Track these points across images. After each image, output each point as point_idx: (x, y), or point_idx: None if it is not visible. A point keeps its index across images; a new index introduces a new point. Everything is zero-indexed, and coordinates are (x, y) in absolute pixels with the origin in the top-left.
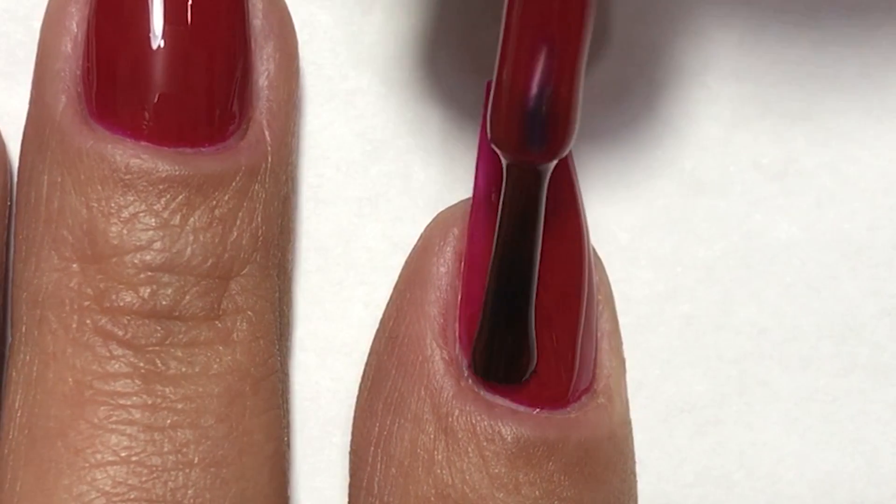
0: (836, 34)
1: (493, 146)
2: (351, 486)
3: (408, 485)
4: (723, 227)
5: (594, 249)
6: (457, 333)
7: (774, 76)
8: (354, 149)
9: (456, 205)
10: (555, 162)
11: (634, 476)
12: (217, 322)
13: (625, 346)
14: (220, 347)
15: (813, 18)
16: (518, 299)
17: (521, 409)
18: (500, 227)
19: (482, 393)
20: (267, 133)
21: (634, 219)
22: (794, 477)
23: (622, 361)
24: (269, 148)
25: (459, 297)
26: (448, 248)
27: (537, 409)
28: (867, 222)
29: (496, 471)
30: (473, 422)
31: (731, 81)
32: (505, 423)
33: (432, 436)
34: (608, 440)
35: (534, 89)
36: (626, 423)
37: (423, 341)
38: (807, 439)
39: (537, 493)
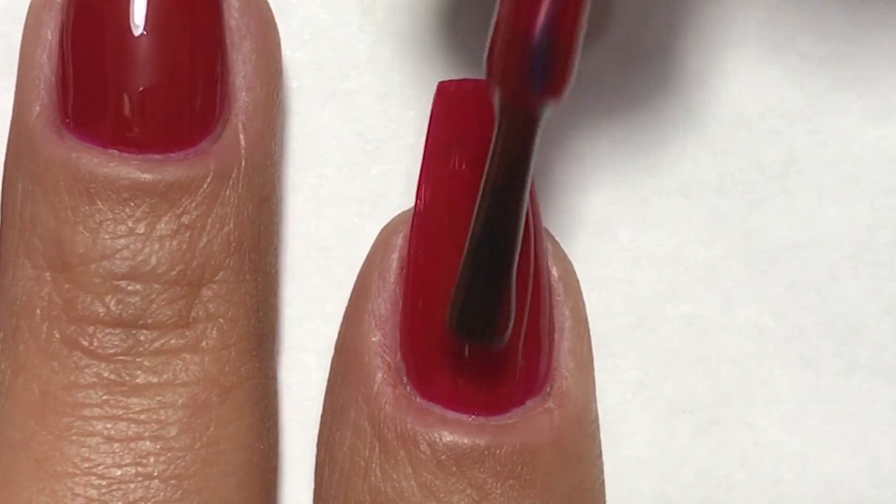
0: (836, 34)
1: (491, 85)
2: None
3: (347, 491)
4: (724, 226)
5: (554, 240)
6: (398, 342)
7: (775, 75)
8: (354, 149)
9: (402, 213)
10: (550, 110)
11: (591, 481)
12: (186, 330)
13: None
14: (188, 356)
15: (813, 18)
16: (501, 254)
17: (455, 415)
18: (487, 176)
19: (418, 400)
20: (242, 136)
21: (635, 218)
22: (795, 477)
23: (586, 361)
24: (243, 151)
25: (401, 305)
26: (391, 256)
27: (473, 416)
28: (867, 222)
29: (424, 479)
30: (404, 429)
31: (732, 81)
32: (435, 430)
33: (368, 443)
34: (552, 446)
35: (540, 22)
36: (581, 428)
37: (363, 349)
38: (808, 439)
39: (466, 501)
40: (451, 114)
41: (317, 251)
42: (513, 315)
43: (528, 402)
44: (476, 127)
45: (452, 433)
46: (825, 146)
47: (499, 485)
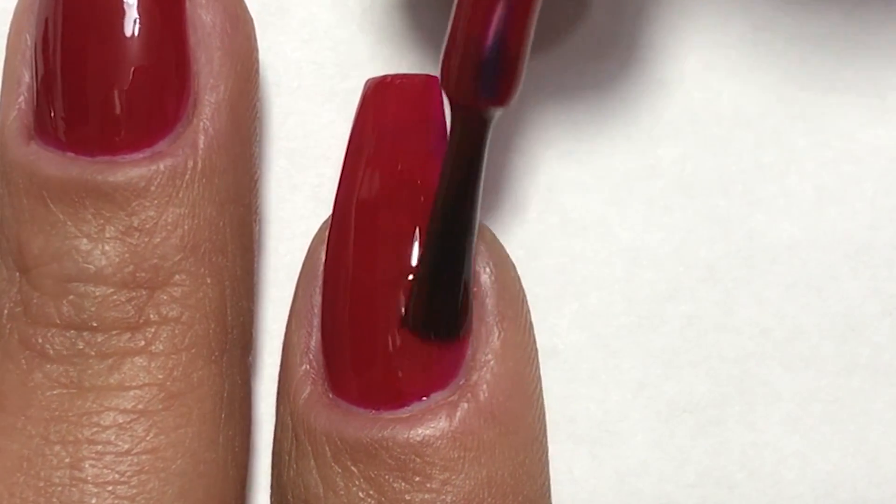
0: (836, 34)
1: (444, 92)
2: None
3: (278, 485)
4: (724, 226)
5: (488, 232)
6: (320, 343)
7: (774, 76)
8: None
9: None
10: (501, 111)
11: (504, 478)
12: (137, 333)
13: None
14: (137, 359)
15: (813, 18)
16: (459, 248)
17: (358, 410)
18: (443, 172)
19: (330, 396)
20: (201, 136)
21: (635, 218)
22: (795, 477)
23: (513, 354)
24: (201, 152)
25: (321, 304)
26: (316, 258)
27: (373, 410)
28: (867, 222)
29: (324, 472)
30: (310, 424)
31: (732, 81)
32: (335, 424)
33: (289, 438)
34: (450, 440)
35: (490, 39)
36: (493, 423)
37: (287, 347)
38: (808, 439)
39: (362, 493)
40: (366, 113)
41: None
42: (470, 307)
43: (433, 395)
44: (389, 125)
45: (347, 427)
46: (825, 146)
47: (392, 478)
